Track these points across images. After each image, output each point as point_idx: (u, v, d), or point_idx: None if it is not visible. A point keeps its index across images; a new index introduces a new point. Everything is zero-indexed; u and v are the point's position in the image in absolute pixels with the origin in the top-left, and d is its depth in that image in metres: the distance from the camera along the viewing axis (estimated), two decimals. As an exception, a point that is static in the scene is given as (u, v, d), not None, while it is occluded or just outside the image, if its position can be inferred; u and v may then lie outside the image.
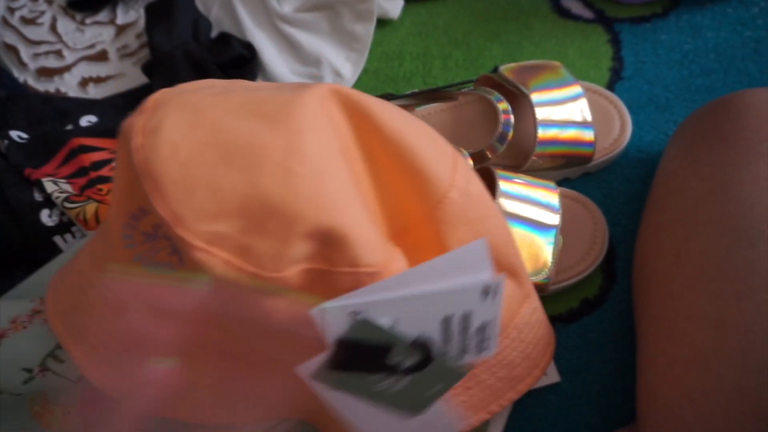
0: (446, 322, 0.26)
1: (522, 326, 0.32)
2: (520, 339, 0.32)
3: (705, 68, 0.51)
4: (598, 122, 0.47)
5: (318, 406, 0.29)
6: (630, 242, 0.46)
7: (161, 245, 0.28)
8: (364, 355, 0.25)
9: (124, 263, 0.30)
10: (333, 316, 0.24)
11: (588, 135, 0.46)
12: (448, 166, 0.28)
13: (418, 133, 0.28)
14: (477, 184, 0.29)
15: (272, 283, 0.25)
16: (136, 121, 0.26)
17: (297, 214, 0.24)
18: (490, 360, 0.31)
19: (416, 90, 0.48)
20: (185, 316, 0.27)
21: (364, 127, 0.28)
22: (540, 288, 0.41)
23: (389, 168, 0.28)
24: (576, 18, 0.55)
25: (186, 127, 0.25)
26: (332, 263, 0.25)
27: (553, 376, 0.42)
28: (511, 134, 0.43)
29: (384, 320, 0.25)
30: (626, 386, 0.42)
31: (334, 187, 0.25)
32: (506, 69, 0.47)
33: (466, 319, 0.26)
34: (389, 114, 0.28)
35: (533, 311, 0.34)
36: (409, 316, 0.25)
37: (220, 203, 0.24)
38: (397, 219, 0.27)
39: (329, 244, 0.25)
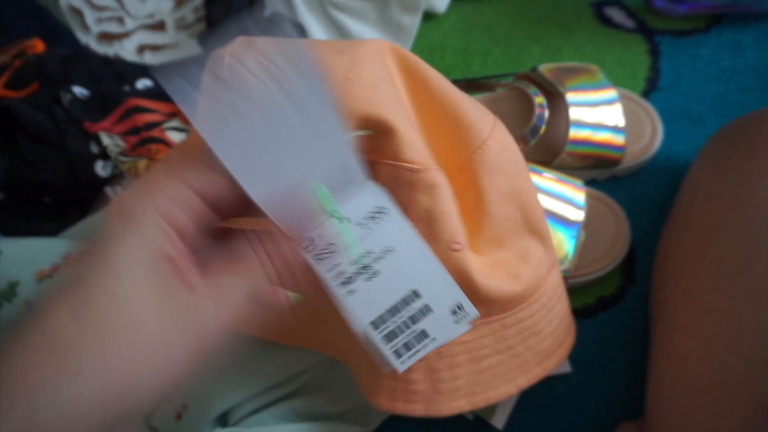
0: None
1: (551, 293, 0.34)
2: (548, 308, 0.34)
3: (742, 86, 0.52)
4: (629, 128, 0.48)
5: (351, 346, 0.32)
6: (651, 246, 0.47)
7: None
8: None
9: None
10: None
11: (618, 139, 0.47)
12: (489, 122, 0.31)
13: (462, 95, 0.32)
14: (514, 147, 0.32)
15: None
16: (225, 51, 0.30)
17: (352, 111, 0.28)
18: (521, 325, 0.32)
19: (456, 78, 0.50)
20: None
21: (414, 80, 0.31)
22: (559, 280, 0.42)
23: (433, 118, 0.31)
24: (617, 26, 0.57)
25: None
26: (378, 153, 0.29)
27: (564, 366, 0.43)
28: (543, 129, 0.45)
29: None
30: (634, 383, 0.43)
31: (386, 97, 0.29)
32: (545, 68, 0.49)
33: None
34: (437, 74, 0.32)
35: (559, 283, 0.35)
36: None
37: None
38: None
39: (378, 135, 0.28)
